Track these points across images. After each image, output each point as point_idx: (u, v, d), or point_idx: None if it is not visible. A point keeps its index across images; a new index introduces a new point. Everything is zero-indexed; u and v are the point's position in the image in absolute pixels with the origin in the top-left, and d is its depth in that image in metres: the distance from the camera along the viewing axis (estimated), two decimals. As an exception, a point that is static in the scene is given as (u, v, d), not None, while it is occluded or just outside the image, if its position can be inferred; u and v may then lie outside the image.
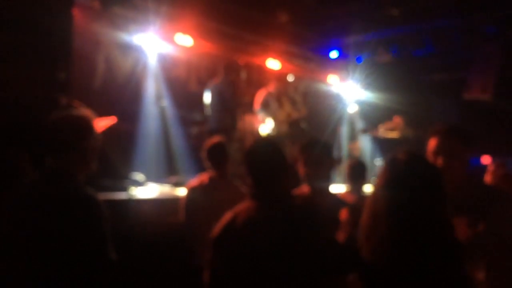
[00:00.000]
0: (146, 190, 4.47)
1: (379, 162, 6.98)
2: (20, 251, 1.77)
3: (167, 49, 5.64)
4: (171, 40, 5.55)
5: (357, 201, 3.58)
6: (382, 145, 7.54)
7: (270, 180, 1.88)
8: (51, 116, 1.93)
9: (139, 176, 4.64)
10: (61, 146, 1.88)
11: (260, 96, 6.30)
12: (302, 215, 1.78)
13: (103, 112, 2.47)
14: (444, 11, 6.15)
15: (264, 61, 6.71)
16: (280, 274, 1.68)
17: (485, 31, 6.50)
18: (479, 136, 2.16)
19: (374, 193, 1.67)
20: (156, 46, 5.49)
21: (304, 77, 7.33)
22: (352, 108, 8.26)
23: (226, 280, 1.79)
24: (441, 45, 7.08)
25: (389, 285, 1.55)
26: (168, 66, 5.99)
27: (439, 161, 2.01)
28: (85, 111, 2.01)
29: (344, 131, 8.22)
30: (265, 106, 6.25)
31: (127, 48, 5.36)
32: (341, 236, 1.96)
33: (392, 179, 1.61)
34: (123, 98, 5.34)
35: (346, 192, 3.87)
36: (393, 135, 7.55)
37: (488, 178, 3.70)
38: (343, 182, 4.24)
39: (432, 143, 2.08)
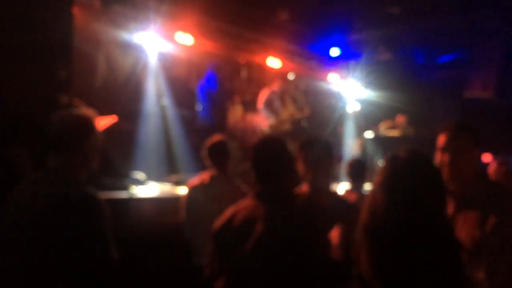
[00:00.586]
0: (147, 189, 4.47)
1: (379, 160, 6.97)
2: (22, 250, 1.77)
3: (168, 47, 5.64)
4: (171, 39, 5.54)
5: (357, 200, 3.58)
6: (383, 143, 7.54)
7: (274, 177, 1.89)
8: (52, 116, 1.93)
9: (139, 175, 4.64)
10: (62, 145, 1.88)
11: (263, 95, 6.31)
12: (303, 216, 1.79)
13: (103, 111, 2.48)
14: (444, 9, 6.14)
15: (264, 59, 6.70)
16: (276, 272, 1.69)
17: (486, 29, 6.49)
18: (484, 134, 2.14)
19: (373, 191, 1.66)
20: (157, 45, 5.49)
21: (304, 76, 7.33)
22: (353, 107, 8.25)
23: (226, 274, 1.81)
24: (442, 43, 7.07)
25: (388, 285, 1.55)
26: (168, 65, 5.99)
27: (448, 158, 2.00)
28: (86, 110, 2.01)
29: (344, 129, 8.21)
30: (269, 105, 6.27)
31: (127, 46, 5.36)
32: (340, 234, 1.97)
33: (391, 177, 1.61)
34: (123, 97, 5.34)
35: (347, 191, 3.87)
36: (394, 133, 7.55)
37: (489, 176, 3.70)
38: (344, 181, 4.23)
39: (441, 140, 2.06)
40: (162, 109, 5.82)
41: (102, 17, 4.88)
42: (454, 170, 2.00)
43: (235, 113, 6.68)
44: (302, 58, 7.17)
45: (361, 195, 3.70)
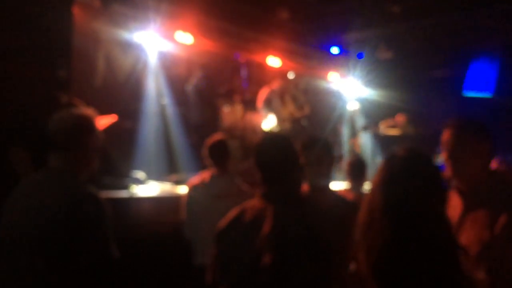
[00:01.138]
0: (147, 188, 4.47)
1: (379, 159, 6.97)
2: (22, 249, 1.77)
3: (168, 47, 5.64)
4: (171, 38, 5.54)
5: (357, 199, 3.58)
6: (383, 142, 7.54)
7: (281, 177, 1.83)
8: (52, 115, 1.93)
9: (140, 174, 4.65)
10: (62, 145, 1.88)
11: (263, 94, 6.32)
12: (310, 215, 1.75)
13: (103, 110, 2.47)
14: (444, 7, 6.13)
15: (264, 58, 6.70)
16: (281, 273, 1.66)
17: (485, 27, 6.49)
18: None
19: (372, 190, 1.66)
20: (157, 44, 5.48)
21: (304, 74, 7.33)
22: (353, 105, 8.25)
23: (228, 274, 1.77)
24: (442, 41, 7.07)
25: (385, 284, 1.55)
26: (168, 64, 5.99)
27: (452, 155, 1.95)
28: (86, 110, 2.01)
29: (344, 128, 8.21)
30: (268, 104, 6.27)
31: (127, 46, 5.36)
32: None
33: (389, 176, 1.60)
34: (123, 96, 5.35)
35: (346, 190, 3.87)
36: (394, 132, 7.55)
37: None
38: (344, 180, 4.23)
39: (444, 137, 2.00)
40: (162, 108, 5.82)
41: (102, 17, 4.88)
42: (460, 168, 1.95)
43: (235, 112, 6.68)
44: (302, 57, 7.17)
45: (360, 195, 3.70)
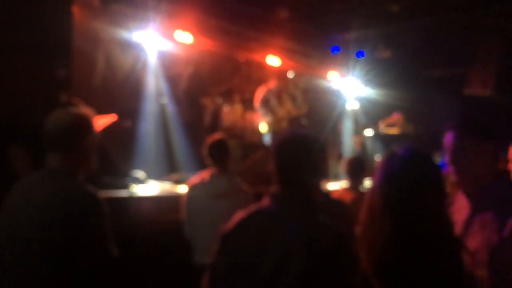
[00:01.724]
0: (147, 188, 4.47)
1: (379, 158, 6.98)
2: (21, 249, 1.76)
3: (167, 46, 5.63)
4: (171, 37, 5.54)
5: (355, 198, 3.59)
6: (383, 141, 7.55)
7: (298, 179, 1.70)
8: (50, 114, 1.93)
9: (139, 173, 4.65)
10: (60, 144, 1.88)
11: (260, 93, 6.32)
12: (321, 229, 1.62)
13: (103, 110, 2.47)
14: (443, 6, 6.13)
15: (264, 57, 6.70)
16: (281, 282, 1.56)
17: (485, 26, 6.48)
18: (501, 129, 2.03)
19: (371, 189, 1.66)
20: (156, 43, 5.48)
21: (304, 74, 7.33)
22: (352, 105, 8.26)
23: (226, 278, 1.70)
24: (441, 40, 7.07)
25: (386, 282, 1.55)
26: (168, 63, 5.98)
27: (456, 158, 1.92)
28: (83, 109, 2.01)
29: (344, 127, 8.21)
30: (265, 103, 6.27)
31: (127, 45, 5.35)
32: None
33: (389, 175, 1.61)
34: (123, 95, 5.34)
35: (344, 189, 3.87)
36: (394, 131, 7.56)
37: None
38: (343, 179, 4.24)
39: (447, 140, 1.96)
40: (162, 107, 5.82)
41: (101, 16, 4.87)
42: (464, 171, 1.91)
43: (235, 112, 6.68)
44: (302, 56, 7.17)
45: (359, 194, 3.70)
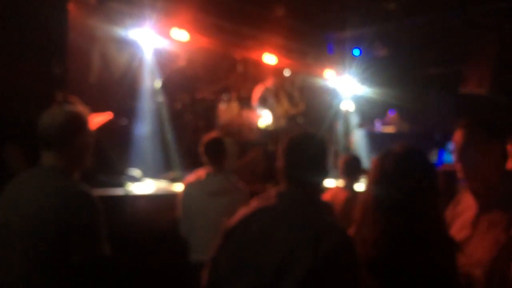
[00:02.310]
0: (143, 186, 4.46)
1: (374, 157, 7.00)
2: (13, 247, 1.76)
3: (163, 44, 5.62)
4: (167, 35, 5.53)
5: (349, 197, 3.59)
6: (378, 139, 7.57)
7: (306, 179, 1.72)
8: (45, 112, 1.92)
9: (135, 172, 4.64)
10: (54, 142, 1.87)
11: (258, 92, 6.32)
12: (328, 228, 1.62)
13: (99, 108, 2.47)
14: (440, 5, 6.15)
15: (260, 55, 6.70)
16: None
17: (481, 24, 6.50)
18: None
19: (366, 187, 1.67)
20: (152, 41, 5.47)
21: (300, 72, 7.33)
22: (348, 103, 8.27)
23: (228, 273, 1.70)
24: (437, 38, 7.08)
25: (379, 278, 1.56)
26: (164, 61, 5.97)
27: (462, 157, 1.92)
28: (79, 107, 2.00)
29: (340, 125, 8.23)
30: (263, 102, 6.27)
31: (123, 43, 5.34)
32: None
33: (382, 173, 1.62)
34: (119, 93, 5.33)
35: (339, 187, 3.88)
36: (389, 129, 7.58)
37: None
38: (338, 177, 4.24)
39: (456, 138, 1.96)
40: (158, 105, 5.81)
41: (97, 13, 4.86)
42: (471, 169, 1.91)
43: (231, 110, 6.68)
44: (298, 54, 7.17)
45: (353, 193, 3.71)
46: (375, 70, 7.52)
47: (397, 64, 7.64)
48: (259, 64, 6.99)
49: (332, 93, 8.03)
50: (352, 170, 3.85)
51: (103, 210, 1.84)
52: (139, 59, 5.55)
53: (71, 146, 1.90)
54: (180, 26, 5.54)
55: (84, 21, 4.75)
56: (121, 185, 4.16)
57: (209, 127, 5.88)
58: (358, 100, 8.21)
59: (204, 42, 5.86)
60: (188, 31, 5.60)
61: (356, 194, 3.69)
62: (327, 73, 7.72)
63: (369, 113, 8.11)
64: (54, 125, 1.88)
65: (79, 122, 1.94)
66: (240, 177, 3.65)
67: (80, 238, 1.74)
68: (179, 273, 3.39)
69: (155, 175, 4.98)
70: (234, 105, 6.70)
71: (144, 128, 5.47)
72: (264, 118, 6.32)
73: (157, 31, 5.34)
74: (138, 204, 4.04)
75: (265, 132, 6.37)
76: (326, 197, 3.65)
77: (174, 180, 4.83)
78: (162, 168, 5.27)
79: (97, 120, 2.12)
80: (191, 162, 4.46)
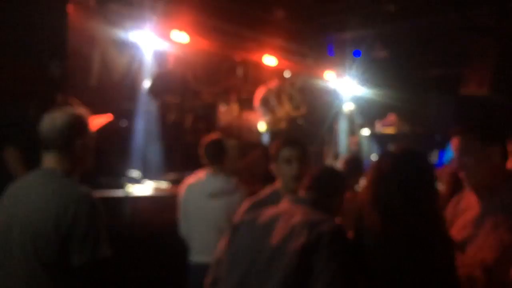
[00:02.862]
0: (143, 188, 4.46)
1: (374, 157, 6.99)
2: (15, 249, 1.76)
3: (163, 46, 5.63)
4: (167, 37, 5.53)
5: (350, 198, 3.59)
6: (379, 141, 7.56)
7: (328, 189, 1.85)
8: (46, 115, 1.93)
9: (135, 173, 4.64)
10: (55, 144, 1.88)
11: (260, 93, 6.33)
12: (321, 220, 1.66)
13: (99, 109, 2.47)
14: (439, 6, 6.15)
15: (260, 57, 6.70)
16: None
17: (481, 26, 6.50)
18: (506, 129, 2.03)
19: (364, 186, 1.68)
20: (152, 43, 5.47)
21: (300, 73, 7.33)
22: (349, 105, 8.27)
23: (232, 259, 1.75)
24: (437, 40, 7.08)
25: (377, 277, 1.56)
26: (164, 63, 5.98)
27: (461, 161, 1.93)
28: (79, 109, 2.01)
29: (341, 127, 8.23)
30: (265, 103, 6.29)
31: (122, 45, 5.34)
32: None
33: (380, 173, 1.63)
34: (119, 95, 5.33)
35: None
36: (390, 131, 7.57)
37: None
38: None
39: (454, 144, 1.97)
40: (158, 107, 5.81)
41: (97, 15, 4.86)
42: (472, 174, 1.92)
43: (231, 111, 6.68)
44: (298, 56, 7.18)
45: (354, 193, 3.70)
46: (375, 72, 7.52)
47: (397, 66, 7.63)
48: (259, 66, 6.99)
49: (333, 95, 8.03)
50: (353, 170, 3.84)
51: (103, 211, 1.84)
52: (139, 61, 5.55)
53: (72, 148, 1.90)
54: (180, 28, 5.54)
55: (84, 23, 4.75)
56: (121, 186, 4.16)
57: (209, 129, 5.89)
58: (358, 102, 8.21)
59: (204, 44, 5.86)
60: (188, 33, 5.60)
61: (357, 194, 3.69)
62: (327, 75, 7.71)
63: (370, 114, 8.10)
64: (56, 127, 1.88)
65: (81, 125, 1.95)
66: (241, 178, 3.65)
67: (81, 240, 1.75)
68: (179, 274, 3.39)
69: (155, 176, 4.97)
70: (234, 107, 6.70)
71: (144, 130, 5.47)
72: (265, 120, 6.32)
73: (157, 33, 5.34)
74: (138, 205, 4.04)
75: (266, 133, 6.38)
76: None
77: (174, 181, 4.83)
78: (162, 169, 5.27)
79: (97, 121, 2.12)
80: (191, 163, 4.45)
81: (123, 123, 5.31)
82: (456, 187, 2.50)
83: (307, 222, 1.64)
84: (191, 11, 5.55)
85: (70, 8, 4.33)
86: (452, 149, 2.00)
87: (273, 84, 6.39)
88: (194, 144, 4.58)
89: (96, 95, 4.91)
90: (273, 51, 6.70)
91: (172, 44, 5.68)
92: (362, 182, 3.94)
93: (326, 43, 7.79)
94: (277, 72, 6.62)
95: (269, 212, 1.79)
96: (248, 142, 6.43)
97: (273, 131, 6.31)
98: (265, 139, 6.44)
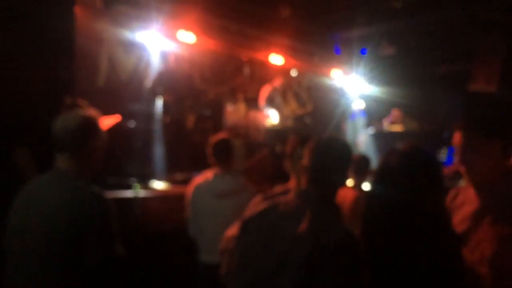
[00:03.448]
0: (151, 188, 4.48)
1: (382, 156, 6.96)
2: (29, 249, 1.79)
3: (170, 46, 5.64)
4: (173, 37, 5.54)
5: (359, 196, 3.58)
6: (386, 139, 7.53)
7: (327, 179, 1.78)
8: (57, 116, 1.95)
9: (144, 173, 4.66)
10: (68, 146, 1.90)
11: (265, 92, 6.32)
12: (330, 227, 1.65)
13: (107, 110, 2.48)
14: (446, 2, 6.11)
15: (267, 56, 6.70)
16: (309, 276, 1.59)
17: (489, 22, 6.45)
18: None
19: (372, 183, 1.69)
20: (159, 44, 5.49)
21: (307, 72, 7.32)
22: (357, 103, 8.24)
23: (249, 267, 1.75)
24: (445, 36, 7.04)
25: (385, 275, 1.56)
26: (170, 63, 5.99)
27: (462, 157, 1.93)
28: (90, 111, 2.03)
29: (348, 125, 8.20)
30: (270, 102, 6.28)
31: (130, 45, 5.37)
32: None
33: (388, 171, 1.63)
34: (126, 95, 5.36)
35: (349, 187, 3.87)
36: (397, 128, 7.54)
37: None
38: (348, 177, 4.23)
39: (455, 139, 1.98)
40: (165, 107, 5.83)
41: (104, 16, 4.89)
42: (472, 169, 1.93)
43: (238, 111, 6.69)
44: (305, 54, 7.16)
45: (362, 192, 3.70)
46: (383, 69, 7.48)
47: (405, 63, 7.59)
48: (265, 65, 6.99)
49: (339, 93, 8.01)
50: (360, 169, 3.84)
51: (115, 211, 1.86)
52: (146, 61, 5.57)
53: (84, 149, 1.93)
54: (187, 28, 5.55)
55: (91, 25, 4.78)
56: (130, 187, 4.18)
57: (216, 128, 5.90)
58: (366, 100, 8.18)
59: (210, 43, 5.87)
60: (195, 33, 5.62)
61: (365, 193, 3.68)
62: (334, 73, 7.69)
63: (377, 112, 8.07)
64: (68, 129, 1.91)
65: (92, 127, 1.97)
66: (248, 177, 3.65)
67: (93, 239, 1.78)
68: (188, 273, 3.40)
69: (163, 177, 4.99)
70: (241, 106, 6.71)
71: (151, 130, 5.49)
72: (271, 118, 6.32)
73: (163, 33, 5.36)
74: (147, 206, 4.06)
75: (273, 132, 6.37)
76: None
77: (182, 181, 4.84)
78: (170, 169, 5.29)
79: (105, 122, 2.14)
80: (198, 163, 4.47)
81: (131, 124, 5.33)
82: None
83: (313, 231, 1.62)
84: (197, 11, 5.56)
85: (78, 10, 4.35)
86: (453, 144, 2.01)
87: (278, 82, 6.38)
88: (201, 144, 4.60)
89: (104, 95, 4.94)
90: (280, 49, 6.69)
91: (179, 44, 5.69)
92: (370, 181, 3.93)
93: (332, 41, 7.77)
94: (283, 71, 6.61)
95: (276, 210, 1.78)
96: (256, 141, 6.44)
97: (280, 130, 6.31)
98: (272, 138, 6.43)
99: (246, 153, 6.04)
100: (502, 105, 6.64)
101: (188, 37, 5.61)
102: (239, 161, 4.71)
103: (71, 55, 4.14)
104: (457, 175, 2.25)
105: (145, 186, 4.45)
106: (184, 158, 5.65)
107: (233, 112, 6.67)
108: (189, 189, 3.45)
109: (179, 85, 6.10)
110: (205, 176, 3.42)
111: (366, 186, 3.87)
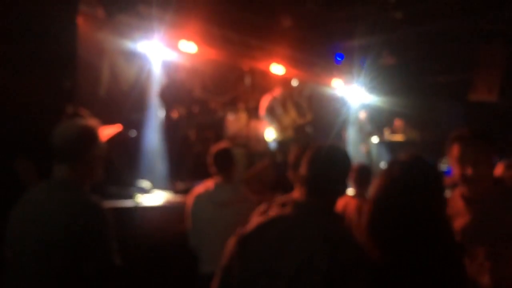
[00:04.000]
0: (152, 198, 4.47)
1: (384, 165, 6.96)
2: (27, 258, 1.79)
3: (172, 56, 5.66)
4: (175, 47, 5.57)
5: (360, 205, 3.57)
6: (388, 148, 7.53)
7: (325, 191, 1.73)
8: (58, 126, 1.95)
9: (145, 183, 4.65)
10: (67, 155, 1.90)
11: (265, 102, 6.33)
12: (343, 240, 1.62)
13: (108, 120, 2.49)
14: (447, 13, 6.14)
15: (268, 66, 6.72)
16: None
17: (489, 31, 6.48)
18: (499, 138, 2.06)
19: (374, 193, 1.68)
20: (161, 54, 5.51)
21: (308, 82, 7.34)
22: (357, 112, 8.25)
23: (244, 281, 1.68)
24: (445, 46, 7.07)
25: (388, 283, 1.55)
26: (172, 73, 6.01)
27: (466, 169, 1.93)
28: (90, 120, 2.03)
29: (349, 135, 8.21)
30: (270, 112, 6.29)
31: (131, 55, 5.39)
32: None
33: (389, 180, 1.63)
34: (128, 105, 5.37)
35: (350, 196, 3.86)
36: (399, 138, 7.54)
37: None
38: (349, 186, 4.22)
39: (455, 151, 1.97)
40: (166, 117, 5.84)
41: (106, 27, 4.91)
42: (474, 180, 1.93)
43: (239, 120, 6.70)
44: (306, 64, 7.19)
45: (364, 201, 3.69)
46: (383, 79, 7.51)
47: (405, 73, 7.62)
48: (267, 75, 7.01)
49: (340, 102, 8.03)
50: (363, 178, 3.83)
51: (113, 221, 1.86)
52: (148, 71, 5.59)
53: (83, 159, 1.93)
54: (188, 38, 5.58)
55: (93, 35, 4.81)
56: (130, 196, 4.18)
57: (217, 138, 5.90)
58: (367, 109, 8.20)
59: (212, 53, 5.90)
60: (196, 43, 5.64)
61: (367, 202, 3.67)
62: (335, 83, 7.71)
63: (379, 122, 8.08)
64: (67, 139, 1.91)
65: (92, 136, 1.97)
66: (249, 187, 3.64)
67: (91, 249, 1.77)
68: (189, 284, 3.38)
69: (164, 186, 4.99)
70: (242, 116, 6.71)
71: (153, 140, 5.49)
72: (272, 128, 6.32)
73: (165, 43, 5.38)
74: (147, 215, 4.05)
75: (273, 142, 6.37)
76: (337, 206, 3.65)
77: (183, 191, 4.84)
78: (171, 179, 5.28)
79: (106, 132, 2.15)
80: (199, 173, 4.46)
81: (132, 133, 5.33)
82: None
83: (327, 248, 1.56)
84: (199, 21, 5.59)
85: (80, 20, 4.38)
86: (450, 155, 2.00)
87: (277, 92, 6.40)
88: (202, 153, 4.59)
89: (106, 105, 4.95)
90: (281, 59, 6.72)
91: (180, 54, 5.71)
92: (372, 190, 3.92)
93: (333, 51, 7.80)
94: (284, 81, 6.63)
95: (277, 225, 1.71)
96: (257, 151, 6.43)
97: (281, 140, 6.31)
98: (273, 147, 6.43)
99: (247, 163, 6.04)
100: (502, 114, 6.65)
101: (189, 47, 5.64)
102: (240, 171, 4.71)
103: (73, 65, 4.16)
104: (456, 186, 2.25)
105: (146, 195, 4.44)
106: (185, 168, 5.64)
107: (234, 121, 6.68)
108: (190, 199, 3.44)
109: (180, 95, 6.12)
110: (205, 186, 3.41)
111: (368, 195, 3.86)
